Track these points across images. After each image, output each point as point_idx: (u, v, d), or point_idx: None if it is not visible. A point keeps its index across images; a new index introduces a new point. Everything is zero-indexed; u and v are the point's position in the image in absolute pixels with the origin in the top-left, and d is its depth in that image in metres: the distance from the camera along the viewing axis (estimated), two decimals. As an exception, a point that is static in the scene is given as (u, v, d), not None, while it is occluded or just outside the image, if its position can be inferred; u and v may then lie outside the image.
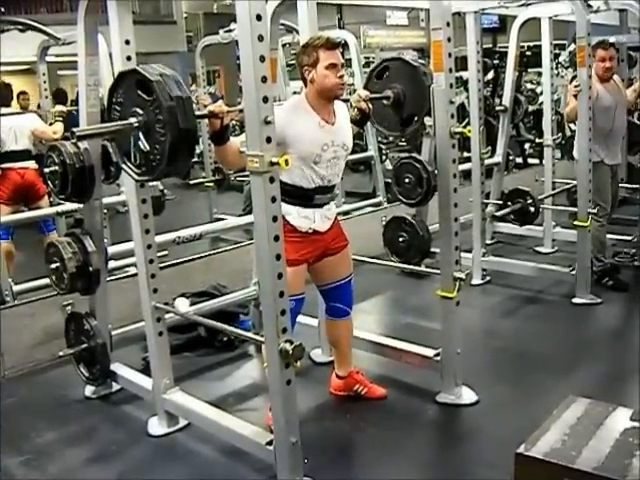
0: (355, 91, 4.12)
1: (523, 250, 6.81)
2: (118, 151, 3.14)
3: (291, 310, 3.02)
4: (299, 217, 3.55)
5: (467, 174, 6.06)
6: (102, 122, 3.71)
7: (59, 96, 8.22)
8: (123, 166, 3.11)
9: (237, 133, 11.47)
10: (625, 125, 5.91)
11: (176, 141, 2.84)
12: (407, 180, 5.14)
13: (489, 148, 6.70)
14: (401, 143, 10.26)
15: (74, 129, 3.01)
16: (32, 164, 6.33)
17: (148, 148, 2.93)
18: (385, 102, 4.12)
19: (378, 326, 5.28)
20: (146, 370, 4.07)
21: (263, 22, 2.68)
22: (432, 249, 5.64)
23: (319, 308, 4.40)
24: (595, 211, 5.37)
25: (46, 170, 3.91)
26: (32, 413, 4.15)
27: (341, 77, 3.52)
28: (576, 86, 5.24)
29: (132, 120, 2.93)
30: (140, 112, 2.92)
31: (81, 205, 4.13)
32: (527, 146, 10.90)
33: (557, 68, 10.09)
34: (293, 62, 10.47)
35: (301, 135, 3.45)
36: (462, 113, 8.25)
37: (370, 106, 3.85)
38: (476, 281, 5.96)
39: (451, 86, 3.69)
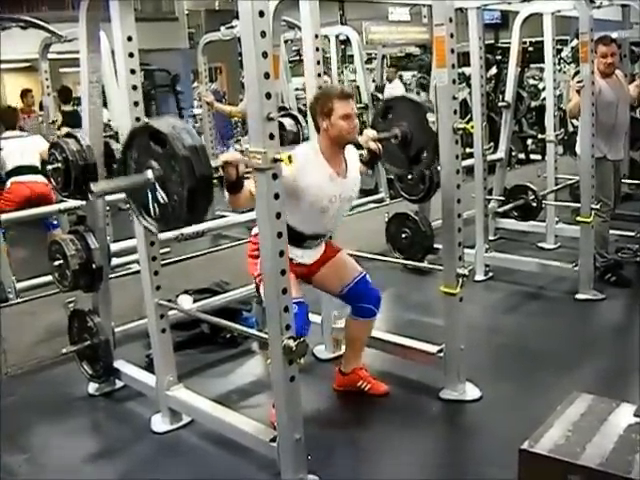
0: (358, 88, 4.15)
1: (526, 246, 6.80)
2: (136, 205, 3.12)
3: (296, 315, 3.04)
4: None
5: (469, 170, 6.04)
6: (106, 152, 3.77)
7: (64, 94, 8.23)
8: (142, 221, 3.10)
9: (239, 130, 11.48)
10: (628, 121, 5.89)
11: (194, 190, 2.81)
12: (410, 176, 5.14)
13: (491, 144, 6.69)
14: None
15: (91, 184, 3.01)
16: (41, 178, 6.30)
17: (167, 200, 2.92)
18: (393, 141, 4.14)
19: (381, 322, 5.24)
20: (149, 367, 4.07)
21: (265, 18, 2.67)
22: (435, 245, 5.66)
23: (322, 305, 4.41)
24: (598, 207, 5.35)
25: (49, 167, 3.91)
26: (35, 411, 4.15)
27: (354, 126, 3.60)
28: (579, 82, 5.23)
29: (149, 174, 2.93)
30: (156, 165, 2.91)
31: (84, 202, 4.12)
32: (530, 142, 10.87)
33: (559, 64, 10.05)
34: (295, 58, 10.50)
35: (312, 187, 3.51)
36: (464, 109, 8.24)
37: (380, 146, 3.90)
38: (479, 277, 5.95)
39: (454, 82, 3.68)
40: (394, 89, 11.21)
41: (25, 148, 6.32)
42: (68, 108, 8.30)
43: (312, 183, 3.51)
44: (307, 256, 3.78)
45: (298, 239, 3.62)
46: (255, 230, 3.48)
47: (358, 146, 3.84)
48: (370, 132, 3.95)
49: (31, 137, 6.68)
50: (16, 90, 11.22)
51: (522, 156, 10.17)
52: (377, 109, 4.40)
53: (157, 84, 12.42)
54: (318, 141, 3.67)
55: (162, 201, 2.93)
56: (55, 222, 6.40)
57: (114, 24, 3.44)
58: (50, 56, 6.77)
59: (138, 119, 3.51)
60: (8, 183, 6.22)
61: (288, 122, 4.99)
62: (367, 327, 4.01)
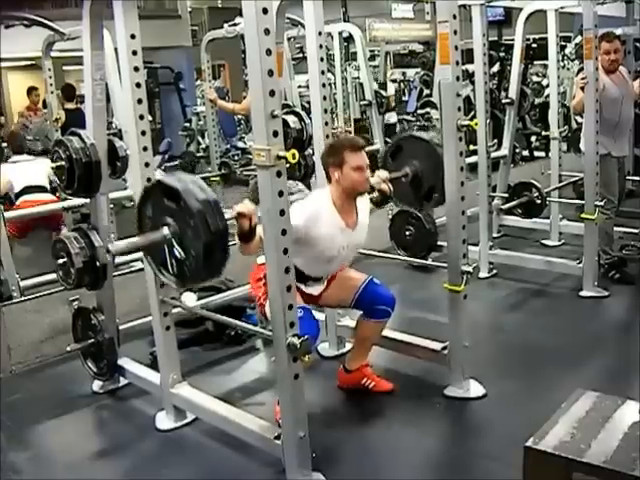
0: (361, 85, 4.14)
1: (530, 243, 6.80)
2: (154, 262, 3.15)
3: (301, 318, 3.06)
4: None
5: (473, 167, 6.04)
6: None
7: (67, 92, 8.22)
8: (161, 277, 3.14)
9: (243, 127, 11.47)
10: (632, 117, 5.88)
11: (210, 243, 2.84)
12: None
13: (495, 141, 6.68)
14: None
15: (109, 246, 3.02)
16: (49, 196, 6.30)
17: (184, 255, 2.94)
18: (403, 179, 4.18)
19: (388, 320, 5.26)
20: (154, 365, 4.08)
21: (269, 16, 2.68)
22: (439, 242, 5.64)
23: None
24: (602, 204, 5.34)
25: (52, 165, 3.91)
26: (39, 408, 4.16)
27: (367, 178, 3.66)
28: (583, 78, 5.23)
29: (165, 231, 2.95)
30: (171, 221, 2.93)
31: (87, 200, 4.13)
32: (533, 139, 10.86)
33: (563, 60, 10.04)
34: (299, 56, 10.48)
35: (322, 238, 3.56)
36: (468, 106, 8.23)
37: (391, 187, 3.96)
38: (483, 274, 5.95)
39: (457, 79, 3.68)
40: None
41: (33, 170, 6.35)
42: (71, 106, 8.29)
43: (323, 235, 3.56)
44: (310, 289, 3.82)
45: (301, 278, 3.62)
46: (260, 259, 3.48)
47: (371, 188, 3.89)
48: (382, 173, 4.01)
49: (39, 159, 6.66)
50: (19, 88, 11.25)
51: (526, 153, 10.15)
52: (388, 148, 4.45)
53: (160, 82, 12.43)
54: (330, 191, 3.70)
55: (179, 257, 2.95)
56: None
57: (117, 22, 3.44)
58: (53, 54, 6.77)
59: (142, 117, 3.51)
60: (18, 201, 6.22)
61: (291, 119, 4.97)
62: (379, 328, 4.01)
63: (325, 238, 3.57)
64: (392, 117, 10.88)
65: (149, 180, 3.56)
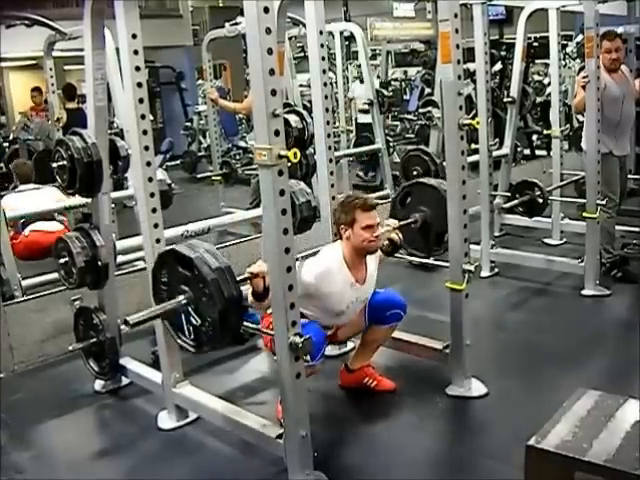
0: (362, 81, 4.13)
1: (531, 242, 6.79)
2: (171, 326, 3.21)
3: (307, 324, 3.13)
4: None
5: (475, 166, 6.04)
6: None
7: (68, 91, 8.23)
8: (179, 341, 3.19)
9: (244, 127, 11.48)
10: (633, 116, 5.87)
11: (224, 310, 2.90)
12: (415, 172, 5.14)
13: (497, 140, 6.69)
14: (409, 135, 10.24)
15: (127, 318, 3.03)
16: (60, 226, 6.03)
17: (199, 321, 3.00)
18: (412, 226, 4.24)
19: (400, 322, 5.26)
20: (155, 364, 4.08)
21: (271, 15, 2.68)
22: (441, 241, 5.64)
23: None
24: (604, 202, 5.35)
25: (54, 165, 3.91)
26: (41, 407, 4.16)
27: (377, 237, 3.70)
28: (584, 77, 5.22)
29: (180, 298, 3.01)
30: (186, 289, 3.00)
31: (89, 199, 4.13)
32: (535, 137, 10.86)
33: (565, 59, 10.05)
34: (300, 55, 10.48)
35: (332, 294, 3.61)
36: (469, 105, 8.24)
37: (401, 236, 4.00)
38: (485, 273, 5.95)
39: (459, 78, 3.68)
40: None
41: (39, 198, 6.08)
42: (73, 105, 8.30)
43: (333, 291, 3.61)
44: None
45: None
46: (269, 310, 3.46)
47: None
48: (391, 222, 4.06)
49: (46, 188, 6.46)
50: (21, 88, 11.25)
51: (527, 152, 10.15)
52: (396, 195, 4.47)
53: (162, 81, 12.45)
54: (342, 247, 3.74)
55: (195, 323, 3.02)
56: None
57: (119, 21, 3.43)
58: (55, 54, 6.77)
59: (143, 116, 3.51)
60: (26, 231, 5.94)
61: (293, 118, 4.96)
62: (391, 332, 4.05)
63: (335, 294, 3.63)
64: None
65: (150, 180, 3.56)
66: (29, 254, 5.84)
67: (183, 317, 3.07)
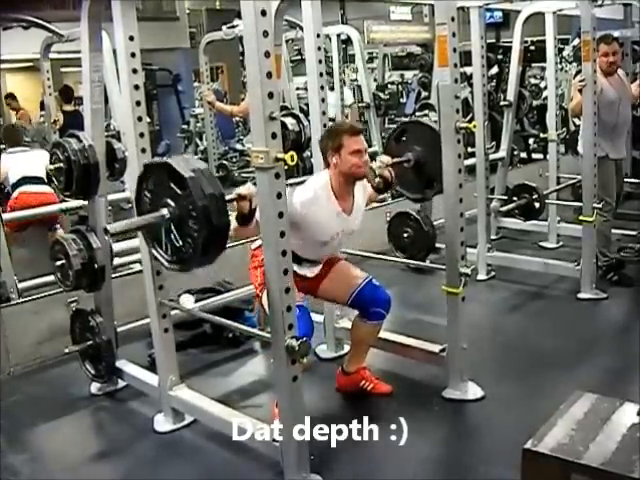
0: (359, 87, 4.14)
1: (528, 245, 6.80)
2: (149, 237, 3.12)
3: (298, 317, 3.05)
4: None
5: (471, 169, 6.04)
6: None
7: (65, 94, 8.23)
8: (153, 251, 3.11)
9: (241, 130, 11.47)
10: (629, 119, 5.88)
11: (209, 238, 2.83)
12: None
13: (493, 143, 6.71)
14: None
15: (107, 227, 3.00)
16: (48, 188, 6.18)
17: (180, 243, 2.93)
18: (406, 165, 4.14)
19: (383, 322, 5.26)
20: (152, 367, 4.08)
21: (268, 18, 2.68)
22: (437, 245, 5.64)
23: (324, 304, 4.40)
24: (600, 206, 5.34)
25: (51, 167, 3.91)
26: (37, 410, 4.15)
27: (365, 162, 3.64)
28: (581, 81, 5.23)
29: (164, 212, 2.92)
30: (172, 204, 2.91)
31: (86, 202, 4.12)
32: (531, 141, 10.85)
33: (561, 63, 10.05)
34: (297, 58, 10.47)
35: (318, 224, 3.57)
36: (466, 108, 8.25)
37: (393, 173, 3.90)
38: (481, 276, 5.95)
39: (456, 81, 3.68)
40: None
41: (30, 160, 6.24)
42: (69, 108, 8.29)
43: (319, 219, 3.56)
44: (306, 270, 3.80)
45: (294, 259, 3.53)
46: (255, 244, 3.50)
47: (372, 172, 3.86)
48: (384, 158, 3.97)
49: (36, 151, 6.57)
50: (17, 90, 11.23)
51: (524, 155, 10.15)
52: (392, 132, 4.40)
53: (158, 84, 12.42)
54: (329, 175, 3.69)
55: (175, 242, 2.95)
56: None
57: (116, 23, 3.43)
58: (51, 56, 6.77)
59: (140, 118, 3.51)
60: (15, 194, 6.12)
61: (290, 121, 4.98)
62: (375, 330, 4.00)
63: (320, 223, 3.57)
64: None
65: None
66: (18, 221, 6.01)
67: (163, 232, 2.97)
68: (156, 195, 2.98)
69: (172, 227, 2.93)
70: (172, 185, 2.89)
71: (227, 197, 3.00)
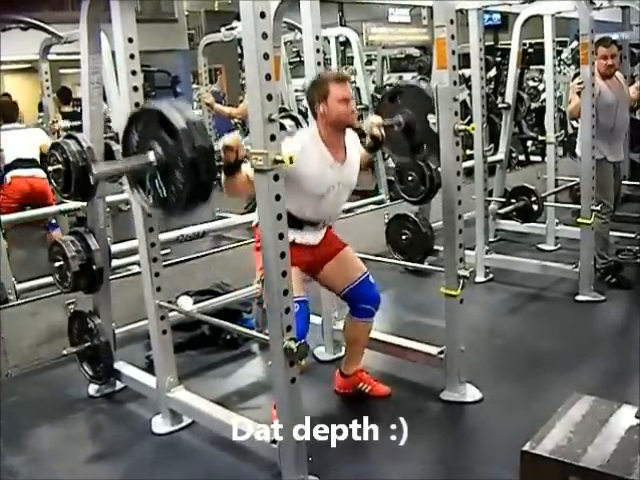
0: (358, 89, 4.15)
1: (526, 248, 6.80)
2: (132, 179, 3.11)
3: (297, 314, 3.03)
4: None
5: (470, 171, 6.03)
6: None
7: (63, 95, 8.22)
8: (135, 194, 3.10)
9: (240, 131, 11.47)
10: (627, 122, 5.89)
11: (195, 190, 2.84)
12: (410, 178, 5.13)
13: (492, 146, 6.70)
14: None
15: (92, 168, 3.00)
16: (40, 172, 6.22)
17: (165, 192, 2.93)
18: (396, 128, 4.11)
19: (382, 324, 5.23)
20: (150, 368, 4.07)
21: (267, 20, 2.68)
22: (435, 247, 5.65)
23: (323, 306, 4.41)
24: (598, 208, 5.35)
25: (49, 168, 3.90)
26: (36, 412, 4.15)
27: (352, 110, 3.58)
28: (579, 83, 5.23)
29: (151, 157, 2.91)
30: (159, 150, 2.90)
31: (84, 203, 4.12)
32: (529, 143, 10.87)
33: (560, 65, 10.06)
34: (295, 60, 10.48)
35: (311, 175, 3.50)
36: (464, 111, 8.25)
37: (384, 133, 3.85)
38: (479, 279, 5.95)
39: (455, 84, 3.68)
40: None
41: (25, 141, 6.29)
42: (68, 109, 8.29)
43: (312, 171, 3.49)
44: (309, 237, 3.71)
45: (295, 223, 3.56)
46: (256, 220, 3.45)
47: (362, 134, 3.82)
48: (375, 118, 3.90)
49: (31, 129, 6.63)
50: (16, 91, 11.20)
51: (522, 158, 10.17)
52: (385, 93, 4.34)
53: (157, 85, 12.42)
54: (317, 126, 3.64)
55: (160, 191, 2.94)
56: (53, 221, 6.39)
57: (115, 25, 3.44)
58: (50, 57, 6.77)
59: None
60: (8, 177, 6.17)
61: (288, 123, 4.98)
62: (366, 328, 3.99)
63: (314, 175, 3.51)
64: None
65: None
66: (11, 201, 6.12)
67: (148, 178, 2.97)
68: (144, 137, 2.98)
69: (158, 175, 2.92)
70: (164, 134, 2.89)
71: (215, 148, 3.01)
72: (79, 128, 4.18)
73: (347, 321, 4.02)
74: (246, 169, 3.07)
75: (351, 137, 3.76)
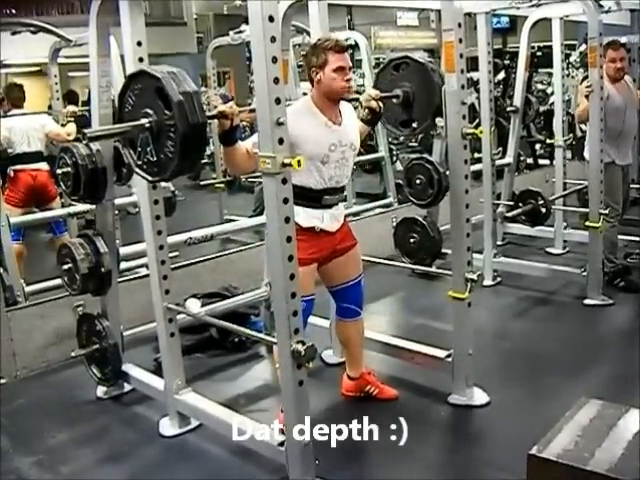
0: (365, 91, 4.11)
1: (534, 251, 6.80)
2: (130, 153, 3.10)
3: (302, 312, 3.03)
4: (307, 217, 3.53)
5: (478, 175, 6.03)
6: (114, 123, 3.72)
7: (70, 98, 8.25)
8: (136, 168, 3.09)
9: (247, 134, 11.48)
10: (636, 125, 5.87)
11: (187, 136, 2.82)
12: (418, 181, 5.11)
13: (500, 149, 6.70)
14: (412, 144, 10.24)
15: (85, 130, 3.01)
16: (44, 166, 6.31)
17: (154, 159, 2.94)
18: (395, 101, 4.08)
19: (389, 327, 5.27)
20: (158, 371, 4.08)
21: (275, 23, 2.68)
22: (443, 250, 5.65)
23: (331, 309, 4.40)
24: (606, 212, 5.34)
25: (58, 171, 3.92)
26: (44, 413, 4.16)
27: (348, 80, 3.53)
28: (587, 87, 5.23)
29: (143, 120, 2.91)
30: (150, 112, 2.91)
31: (93, 206, 4.14)
32: (538, 147, 10.86)
33: (568, 68, 10.05)
34: (303, 63, 10.48)
35: (308, 135, 3.45)
36: (472, 114, 8.25)
37: (381, 105, 3.82)
38: (487, 282, 5.95)
39: (463, 87, 3.69)
40: None
41: (31, 131, 6.31)
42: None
43: (307, 131, 3.45)
44: (328, 219, 3.64)
45: (311, 198, 3.53)
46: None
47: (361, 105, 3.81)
48: (372, 91, 3.89)
49: (38, 116, 6.65)
50: (26, 94, 11.22)
51: (530, 161, 10.16)
52: (382, 65, 4.30)
53: (166, 88, 12.45)
54: (311, 94, 3.62)
55: (150, 156, 2.96)
56: (60, 224, 6.41)
57: (124, 28, 3.45)
58: (59, 60, 6.79)
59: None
60: (12, 172, 6.21)
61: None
62: (356, 327, 3.99)
63: (310, 134, 3.46)
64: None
65: (154, 187, 3.57)
66: (17, 195, 6.15)
67: (139, 142, 2.97)
68: (135, 107, 2.99)
69: (150, 140, 2.94)
70: (149, 93, 2.91)
71: (208, 114, 3.03)
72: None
73: (337, 323, 4.04)
74: (245, 144, 3.09)
75: (345, 106, 3.72)
